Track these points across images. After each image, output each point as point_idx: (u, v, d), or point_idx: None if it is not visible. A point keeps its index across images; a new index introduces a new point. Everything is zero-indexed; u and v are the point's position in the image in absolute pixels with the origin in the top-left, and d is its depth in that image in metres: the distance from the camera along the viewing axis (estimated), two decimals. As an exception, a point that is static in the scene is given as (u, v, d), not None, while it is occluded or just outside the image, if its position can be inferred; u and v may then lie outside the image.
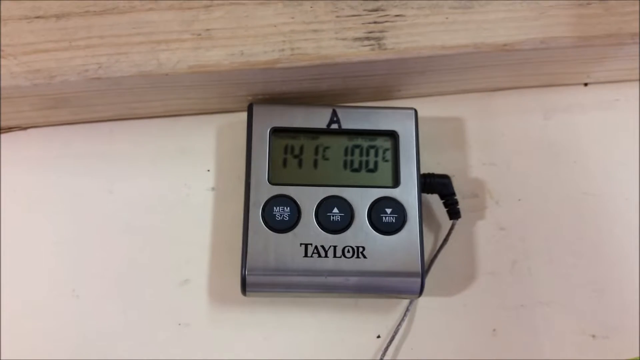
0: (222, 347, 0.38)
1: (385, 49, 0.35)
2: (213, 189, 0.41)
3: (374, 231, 0.37)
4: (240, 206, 0.37)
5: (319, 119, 0.38)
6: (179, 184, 0.40)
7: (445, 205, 0.40)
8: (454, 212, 0.40)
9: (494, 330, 0.39)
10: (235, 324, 0.38)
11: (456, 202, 0.40)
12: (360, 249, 0.36)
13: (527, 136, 0.43)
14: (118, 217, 0.40)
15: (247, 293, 0.36)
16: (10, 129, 0.40)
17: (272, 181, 0.37)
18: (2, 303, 0.38)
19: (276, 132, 0.38)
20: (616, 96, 0.45)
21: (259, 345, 0.38)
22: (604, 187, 0.42)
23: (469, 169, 0.42)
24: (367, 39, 0.36)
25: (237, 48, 0.35)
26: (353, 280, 0.36)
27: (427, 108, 0.42)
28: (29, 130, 0.41)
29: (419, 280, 0.36)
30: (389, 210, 0.37)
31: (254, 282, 0.36)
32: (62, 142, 0.41)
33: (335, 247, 0.36)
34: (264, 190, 0.37)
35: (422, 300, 0.39)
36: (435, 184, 0.39)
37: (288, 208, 0.37)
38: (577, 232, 0.41)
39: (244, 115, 0.39)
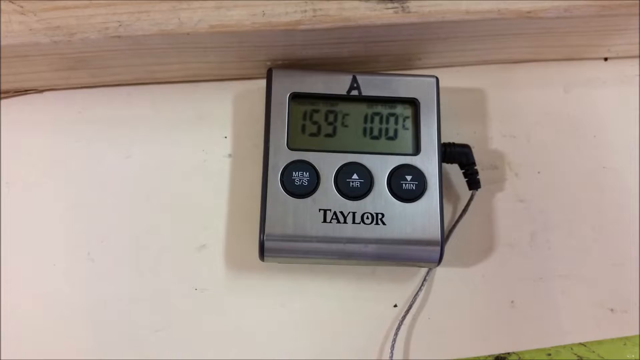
0: (238, 313, 0.37)
1: (409, 12, 0.35)
2: (230, 155, 0.40)
3: (393, 198, 0.36)
4: (256, 173, 0.37)
5: (339, 85, 0.38)
6: (197, 150, 0.40)
7: (465, 175, 0.39)
8: (473, 182, 0.39)
9: (512, 302, 0.39)
10: (252, 290, 0.38)
11: (476, 172, 0.39)
12: (380, 216, 0.36)
13: (547, 109, 0.43)
14: (135, 182, 0.39)
15: (265, 258, 0.36)
16: (26, 91, 0.40)
17: (291, 146, 0.37)
18: (17, 265, 0.38)
19: (295, 97, 0.38)
20: (636, 71, 0.44)
21: (275, 311, 0.38)
22: (623, 162, 0.42)
23: (488, 141, 0.42)
24: (391, 1, 0.35)
25: (259, 8, 0.35)
26: (372, 247, 0.36)
27: (448, 78, 0.41)
28: (45, 93, 0.40)
29: (439, 248, 0.36)
30: (409, 178, 0.37)
31: (272, 247, 0.35)
32: (80, 106, 0.40)
33: (354, 213, 0.36)
34: (282, 156, 0.36)
35: (440, 271, 0.39)
36: (455, 153, 0.39)
37: (307, 173, 0.36)
38: (597, 206, 0.41)
39: (262, 83, 0.39)
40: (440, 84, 0.38)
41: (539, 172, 0.41)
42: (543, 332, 0.38)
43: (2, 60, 0.36)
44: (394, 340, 0.37)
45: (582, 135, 0.42)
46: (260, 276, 0.38)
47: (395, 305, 0.38)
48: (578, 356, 0.38)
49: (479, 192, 0.39)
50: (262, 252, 0.35)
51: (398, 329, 0.37)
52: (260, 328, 0.37)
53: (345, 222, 0.36)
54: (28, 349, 0.36)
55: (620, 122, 0.43)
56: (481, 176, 0.39)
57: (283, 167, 0.36)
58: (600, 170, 0.42)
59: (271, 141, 0.37)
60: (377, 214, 0.36)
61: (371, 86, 0.38)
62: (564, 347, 0.38)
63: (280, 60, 0.39)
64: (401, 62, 0.41)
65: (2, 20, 0.34)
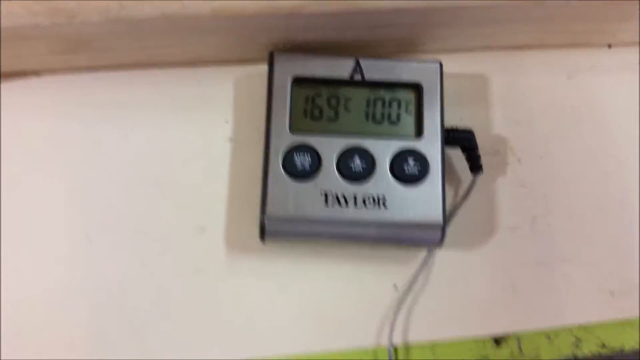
0: (238, 295, 0.38)
1: (414, -5, 0.35)
2: (231, 139, 0.40)
3: (395, 181, 0.36)
4: (258, 157, 0.37)
5: (341, 69, 0.38)
6: (197, 134, 0.40)
7: (468, 159, 0.39)
8: (476, 167, 0.39)
9: (513, 285, 0.39)
10: (252, 272, 0.38)
11: (479, 157, 0.39)
12: (382, 199, 0.36)
13: (551, 95, 0.43)
14: (135, 165, 0.39)
15: (265, 240, 0.36)
16: (26, 74, 0.40)
17: (292, 130, 0.37)
18: (16, 246, 0.38)
19: (298, 81, 0.37)
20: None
21: (275, 293, 0.38)
22: (625, 147, 0.42)
23: (491, 126, 0.42)
24: (395, -16, 0.35)
25: (262, -9, 0.34)
26: (373, 230, 0.36)
27: (452, 64, 0.40)
28: (45, 76, 0.40)
29: (440, 231, 0.36)
30: (411, 161, 0.36)
31: (273, 229, 0.35)
32: (79, 89, 0.40)
33: (356, 196, 0.36)
34: (284, 139, 0.36)
35: (441, 253, 0.39)
36: (458, 138, 0.39)
37: (309, 156, 0.36)
38: (598, 191, 0.41)
39: (263, 67, 0.38)
40: (444, 69, 0.38)
41: (541, 158, 0.41)
42: (543, 315, 0.39)
43: (2, 42, 0.35)
44: (394, 321, 0.37)
45: (585, 122, 0.42)
46: (260, 258, 0.38)
47: (396, 286, 0.38)
48: (577, 338, 0.38)
49: (481, 177, 0.39)
50: (263, 234, 0.35)
51: (398, 310, 0.38)
52: (261, 310, 0.37)
53: (347, 205, 0.36)
54: (27, 333, 0.36)
55: (623, 108, 0.43)
56: (484, 161, 0.39)
57: (285, 150, 0.36)
58: (602, 155, 0.42)
59: (273, 124, 0.37)
60: (379, 197, 0.36)
61: (374, 70, 0.38)
62: (564, 329, 0.38)
63: (282, 44, 0.39)
64: (405, 47, 0.41)
65: (3, 1, 0.34)
